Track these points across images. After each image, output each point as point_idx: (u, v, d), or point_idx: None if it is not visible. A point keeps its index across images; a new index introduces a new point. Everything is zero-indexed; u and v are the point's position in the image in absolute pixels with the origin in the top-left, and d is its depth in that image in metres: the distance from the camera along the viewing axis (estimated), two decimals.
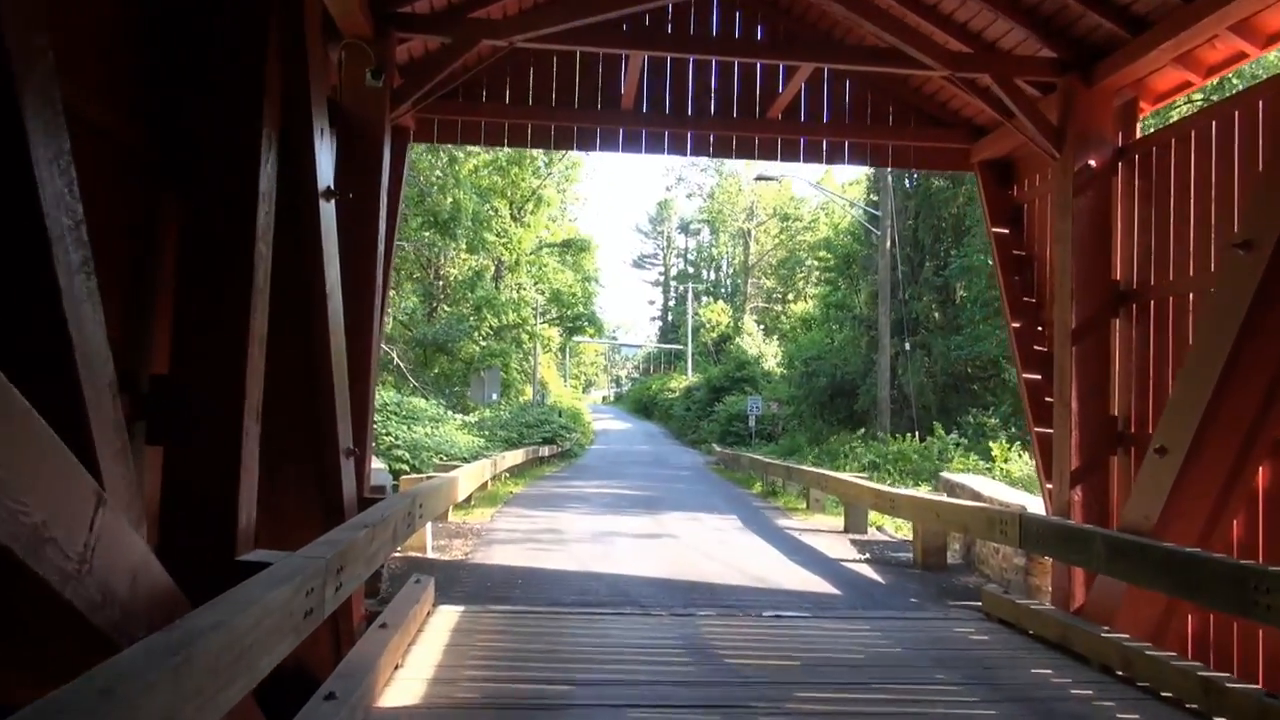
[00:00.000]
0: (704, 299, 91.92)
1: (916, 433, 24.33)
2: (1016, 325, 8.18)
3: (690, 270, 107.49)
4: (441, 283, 30.17)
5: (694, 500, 17.22)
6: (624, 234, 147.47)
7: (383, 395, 13.97)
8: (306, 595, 3.28)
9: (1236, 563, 4.58)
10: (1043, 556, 7.35)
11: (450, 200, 24.12)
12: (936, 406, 32.46)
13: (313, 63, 4.73)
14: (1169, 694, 4.80)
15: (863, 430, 29.50)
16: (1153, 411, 6.49)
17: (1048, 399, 7.78)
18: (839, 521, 13.86)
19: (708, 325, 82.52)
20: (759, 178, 28.77)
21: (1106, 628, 5.54)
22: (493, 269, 37.89)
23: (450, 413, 20.59)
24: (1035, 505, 7.90)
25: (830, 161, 8.96)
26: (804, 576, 8.67)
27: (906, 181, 34.58)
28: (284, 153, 4.25)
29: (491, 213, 30.42)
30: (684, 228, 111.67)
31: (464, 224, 23.94)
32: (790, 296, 78.32)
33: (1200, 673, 4.67)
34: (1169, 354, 6.38)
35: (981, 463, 19.20)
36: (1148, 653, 5.07)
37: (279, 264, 4.20)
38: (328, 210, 4.86)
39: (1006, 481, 12.91)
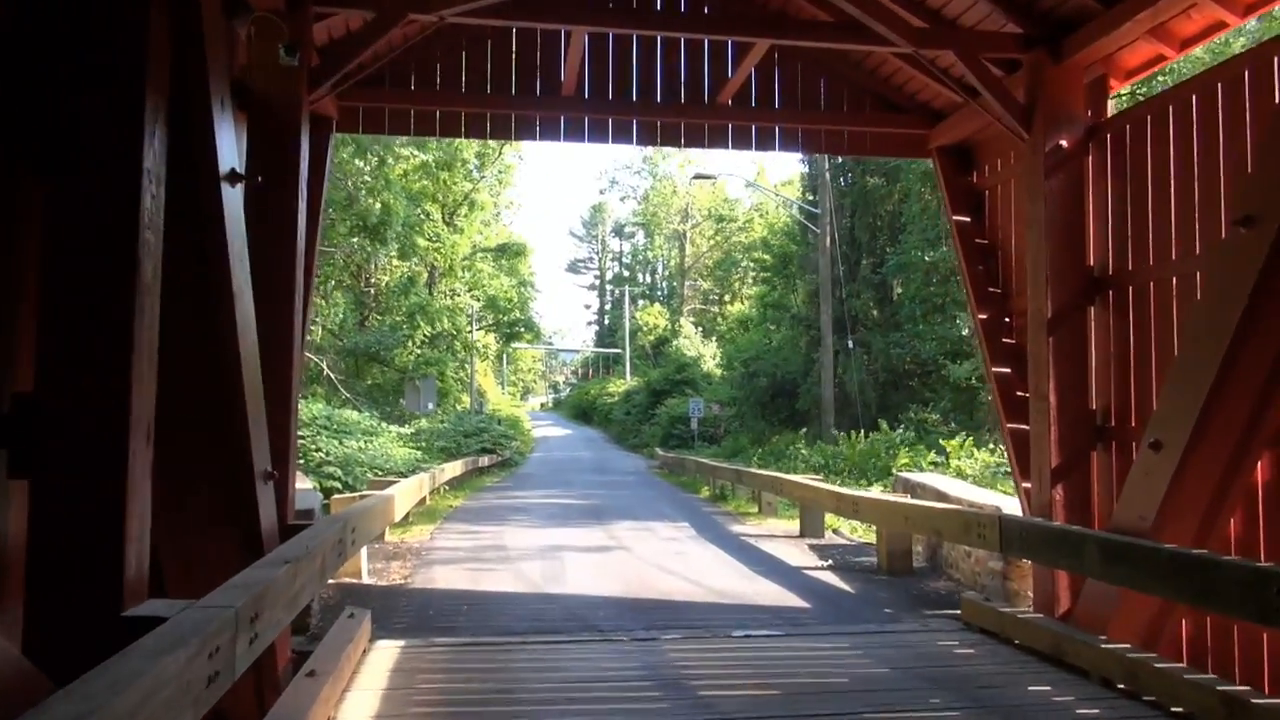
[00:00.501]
0: (640, 302, 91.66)
1: (862, 430, 24.17)
2: (983, 317, 7.82)
3: (626, 274, 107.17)
4: (373, 290, 29.18)
5: (642, 508, 16.70)
6: (558, 239, 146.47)
7: (311, 408, 13.17)
8: (210, 657, 2.67)
9: (1255, 565, 4.20)
10: (1024, 561, 6.99)
11: (380, 204, 23.25)
12: (877, 404, 32.52)
13: (209, 30, 4.09)
14: (1181, 709, 4.42)
15: (805, 430, 29.31)
16: (1135, 404, 6.15)
17: (1020, 393, 7.43)
18: (794, 526, 13.46)
19: (645, 328, 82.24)
20: (696, 176, 28.39)
21: (1103, 637, 5.16)
22: (426, 276, 36.95)
23: (385, 425, 19.75)
24: (1009, 505, 7.54)
25: (784, 149, 8.52)
26: (768, 588, 8.20)
27: (842, 180, 34.63)
28: (177, 130, 3.62)
29: (423, 217, 29.55)
30: (618, 231, 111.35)
31: (394, 228, 23.08)
32: (727, 298, 78.50)
33: (1220, 687, 4.29)
34: (1151, 343, 6.04)
35: (933, 459, 19.02)
36: (1156, 665, 4.69)
37: (174, 258, 3.56)
38: (232, 197, 4.22)
39: (966, 479, 12.64)
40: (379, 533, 8.30)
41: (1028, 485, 7.01)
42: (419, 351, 27.75)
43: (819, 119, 8.35)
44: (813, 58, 8.11)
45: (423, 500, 16.24)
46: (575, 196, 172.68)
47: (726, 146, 8.42)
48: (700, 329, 66.75)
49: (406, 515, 13.55)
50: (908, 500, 8.11)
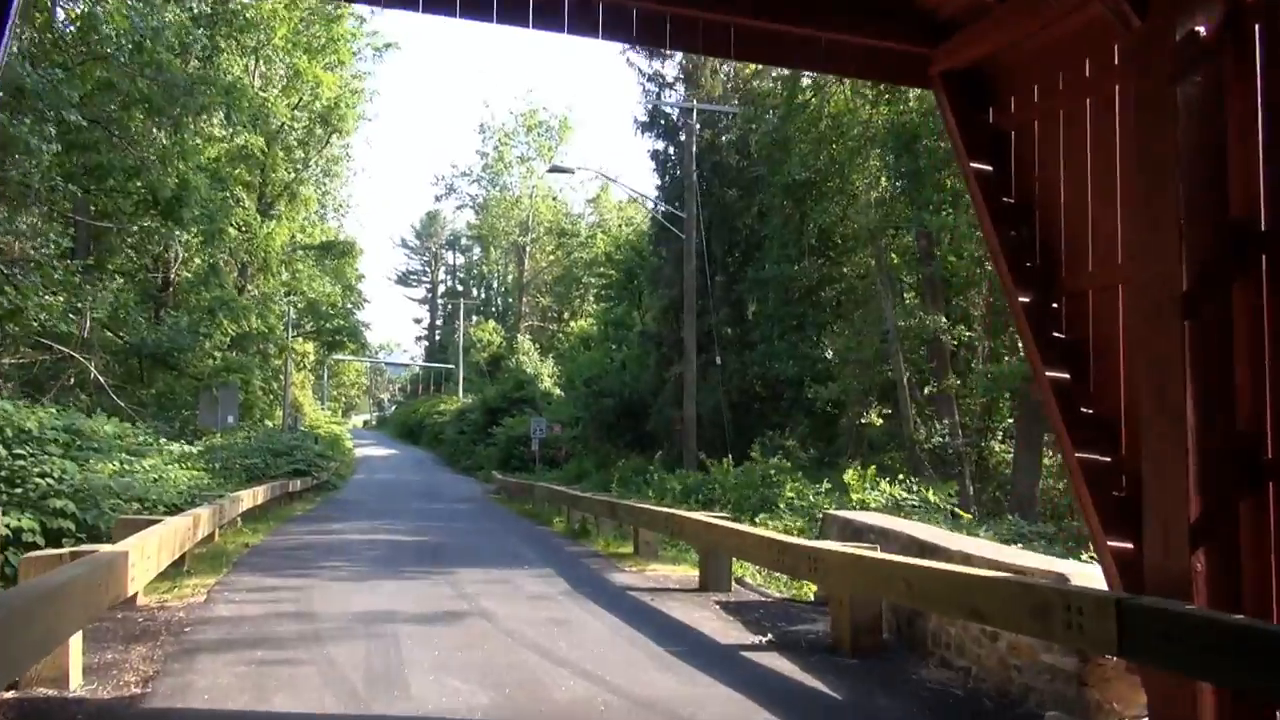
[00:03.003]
0: (475, 318, 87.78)
1: (729, 457, 22.04)
2: (1024, 300, 5.50)
3: (460, 288, 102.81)
4: (166, 280, 24.74)
5: (490, 546, 13.75)
6: (386, 250, 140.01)
7: (36, 415, 9.50)
8: None
9: None
10: (1107, 658, 4.66)
11: (174, 177, 19.29)
12: (732, 427, 30.71)
13: None
14: None
15: (659, 453, 26.98)
16: None
17: (1084, 408, 5.18)
18: (688, 573, 10.91)
19: (479, 345, 78.51)
20: (552, 169, 25.71)
21: None
22: (235, 273, 32.46)
23: (164, 441, 15.89)
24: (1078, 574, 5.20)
25: (744, 57, 6.02)
26: (713, 693, 5.55)
27: (699, 190, 32.79)
28: None
29: (232, 202, 25.46)
30: (453, 243, 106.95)
31: (192, 208, 19.17)
32: (566, 315, 75.89)
33: None
34: None
35: (811, 490, 17.00)
36: None
37: None
38: None
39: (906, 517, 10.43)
40: (81, 622, 5.07)
41: (1122, 544, 4.73)
42: (220, 355, 23.64)
43: (789, 17, 5.89)
44: None
45: (210, 536, 12.75)
46: (406, 204, 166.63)
47: (666, 45, 5.82)
48: (539, 346, 63.84)
49: (181, 559, 10.20)
50: (911, 562, 5.70)
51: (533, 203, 76.68)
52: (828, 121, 27.74)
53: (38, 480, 8.33)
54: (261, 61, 30.29)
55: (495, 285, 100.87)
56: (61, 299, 16.14)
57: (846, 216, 28.26)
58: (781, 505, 16.47)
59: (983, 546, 6.46)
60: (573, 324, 67.84)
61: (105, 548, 5.41)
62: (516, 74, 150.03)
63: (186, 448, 16.88)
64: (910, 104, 25.15)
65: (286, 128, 33.47)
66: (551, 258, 77.92)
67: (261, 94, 28.47)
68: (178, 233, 20.66)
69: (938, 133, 24.38)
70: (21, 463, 8.50)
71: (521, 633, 7.10)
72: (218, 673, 5.77)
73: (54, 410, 10.03)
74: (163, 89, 19.07)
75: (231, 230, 26.22)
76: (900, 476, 15.74)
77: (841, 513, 9.04)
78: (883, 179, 27.53)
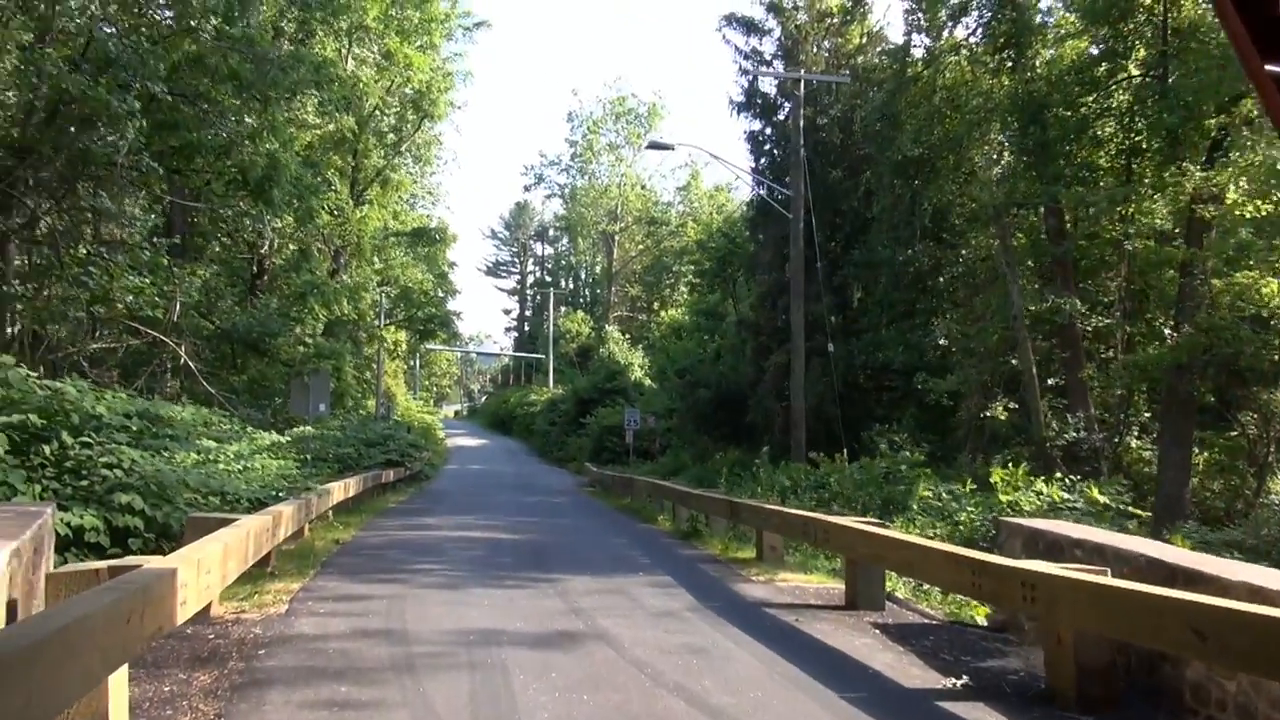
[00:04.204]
0: (563, 309, 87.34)
1: (844, 451, 20.48)
2: None
3: (548, 279, 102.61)
4: (258, 263, 24.22)
5: (596, 548, 12.54)
6: (475, 241, 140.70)
7: (105, 401, 8.59)
8: None
9: None
10: None
11: (265, 155, 18.63)
12: (839, 420, 29.05)
13: None
14: None
15: (766, 447, 25.47)
16: None
17: None
18: (825, 584, 9.52)
19: (568, 335, 77.93)
20: (651, 145, 24.43)
21: None
22: (330, 259, 32.08)
23: (251, 429, 15.16)
24: None
25: None
26: None
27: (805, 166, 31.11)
28: None
29: (325, 186, 24.86)
30: (541, 234, 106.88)
31: (282, 187, 18.46)
32: (655, 305, 74.63)
33: None
34: None
35: (952, 491, 15.32)
36: None
37: None
38: None
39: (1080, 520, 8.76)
40: (105, 671, 3.92)
41: None
42: (312, 341, 23.02)
43: None
44: None
45: (300, 532, 11.87)
46: (495, 196, 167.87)
47: None
48: (628, 336, 62.75)
49: (266, 559, 9.28)
50: (1196, 600, 4.21)
51: (621, 191, 75.64)
52: (942, 94, 25.84)
53: (105, 472, 7.41)
54: (354, 44, 29.75)
55: (583, 276, 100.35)
56: (149, 281, 15.54)
57: (964, 195, 26.31)
58: (914, 506, 14.87)
59: (1267, 576, 4.89)
60: (663, 314, 66.57)
61: (152, 562, 4.31)
62: (605, 61, 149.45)
63: (276, 437, 16.15)
64: (1038, 70, 23.16)
65: (379, 112, 32.99)
66: (641, 247, 76.78)
67: (355, 74, 27.91)
68: (268, 216, 20.05)
69: (1068, 101, 22.39)
70: (88, 452, 7.59)
71: (654, 666, 5.81)
72: (291, 717, 4.63)
73: (123, 395, 9.15)
74: (254, 65, 18.40)
75: (324, 215, 25.67)
76: (1033, 475, 13.94)
77: (1025, 521, 7.50)
78: (1005, 153, 25.52)
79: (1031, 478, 13.03)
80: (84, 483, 7.42)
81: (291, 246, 24.81)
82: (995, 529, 8.55)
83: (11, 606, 4.19)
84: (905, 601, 8.82)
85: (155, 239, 16.21)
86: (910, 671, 5.94)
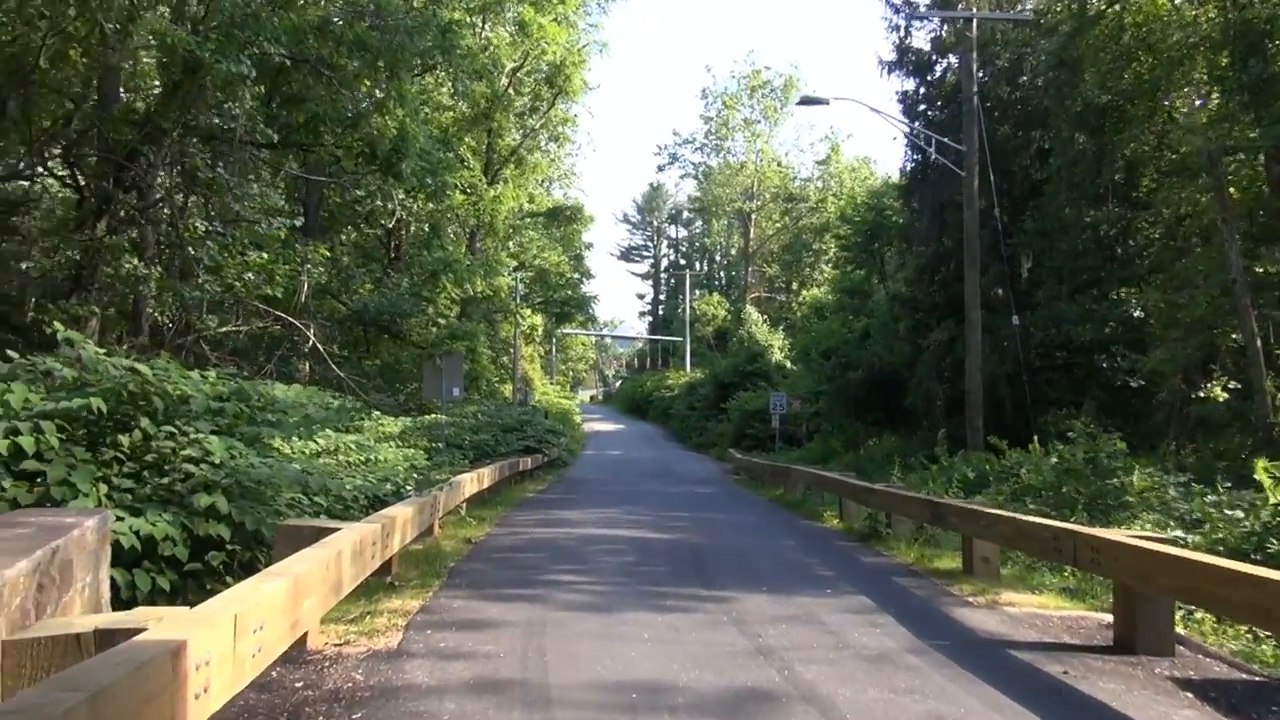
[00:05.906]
0: (698, 291, 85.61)
1: (1036, 438, 17.97)
2: None
3: (682, 262, 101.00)
4: (394, 244, 23.38)
5: (764, 553, 10.68)
6: (609, 226, 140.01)
7: (189, 381, 7.30)
8: None
9: None
10: None
11: (394, 127, 17.57)
12: (1012, 402, 26.21)
13: None
14: None
15: (943, 431, 22.97)
16: None
17: None
18: (1071, 610, 7.42)
19: (704, 318, 76.19)
20: (803, 101, 22.28)
21: None
22: (465, 243, 31.29)
23: (378, 414, 14.04)
24: None
25: None
26: None
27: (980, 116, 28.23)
28: None
29: (457, 162, 23.82)
30: (675, 217, 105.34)
31: (412, 158, 17.35)
32: (795, 285, 71.90)
33: None
34: None
35: (1174, 487, 12.80)
36: None
37: None
38: None
39: None
40: None
41: None
42: (445, 321, 22.03)
43: None
44: None
45: (430, 529, 10.58)
46: (626, 180, 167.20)
47: None
48: (766, 318, 60.39)
49: (387, 565, 7.97)
50: None
51: (758, 169, 73.08)
52: (1132, 32, 22.63)
53: (188, 467, 6.11)
54: (488, 14, 28.70)
55: (718, 258, 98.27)
56: (271, 259, 14.66)
57: (1163, 145, 23.07)
58: (1132, 499, 12.44)
59: None
60: (803, 293, 63.87)
61: (150, 634, 2.75)
62: (740, 32, 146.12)
63: (405, 421, 15.03)
64: None
65: (513, 90, 31.95)
66: (778, 225, 74.11)
67: (488, 38, 26.83)
68: (397, 192, 19.05)
69: None
70: (171, 444, 6.31)
71: None
72: None
73: (212, 375, 7.88)
74: (381, 34, 17.32)
75: (458, 195, 24.69)
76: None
77: None
78: (1214, 96, 22.14)
79: None
80: (165, 480, 6.12)
81: (425, 226, 23.92)
82: None
83: None
84: (1194, 642, 6.64)
85: (280, 216, 15.32)
86: None
